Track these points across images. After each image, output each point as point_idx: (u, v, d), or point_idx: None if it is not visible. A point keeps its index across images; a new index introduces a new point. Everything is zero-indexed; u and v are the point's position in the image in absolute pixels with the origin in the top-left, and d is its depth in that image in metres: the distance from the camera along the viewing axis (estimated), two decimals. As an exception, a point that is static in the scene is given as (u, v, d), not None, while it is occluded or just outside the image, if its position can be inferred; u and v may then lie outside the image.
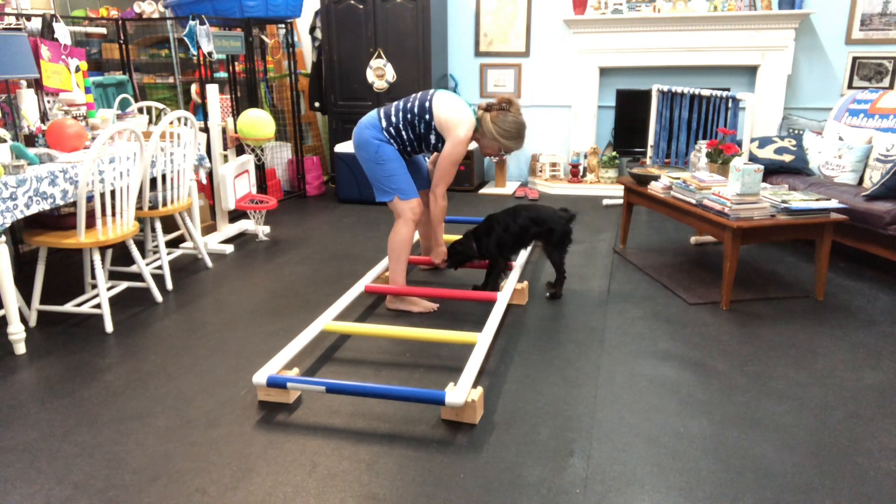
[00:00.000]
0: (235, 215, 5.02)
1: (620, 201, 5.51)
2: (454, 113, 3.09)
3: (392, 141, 3.16)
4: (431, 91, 3.19)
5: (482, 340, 2.60)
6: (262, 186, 5.44)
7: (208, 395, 2.48)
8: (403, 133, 3.16)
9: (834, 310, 3.23)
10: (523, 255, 3.71)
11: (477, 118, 3.18)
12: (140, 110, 4.42)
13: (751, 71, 5.74)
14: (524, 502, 1.87)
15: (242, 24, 4.98)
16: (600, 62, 5.95)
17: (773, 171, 4.39)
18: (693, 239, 4.39)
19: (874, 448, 2.11)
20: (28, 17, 3.96)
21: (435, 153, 3.36)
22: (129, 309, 3.33)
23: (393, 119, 3.16)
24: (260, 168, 5.41)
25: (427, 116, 3.12)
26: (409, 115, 3.14)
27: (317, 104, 6.19)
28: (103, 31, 4.95)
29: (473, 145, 6.00)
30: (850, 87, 5.56)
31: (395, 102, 3.23)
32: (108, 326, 3.04)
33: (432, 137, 3.17)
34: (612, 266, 3.92)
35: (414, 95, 3.20)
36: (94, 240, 2.97)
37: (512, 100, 3.17)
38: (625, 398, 2.43)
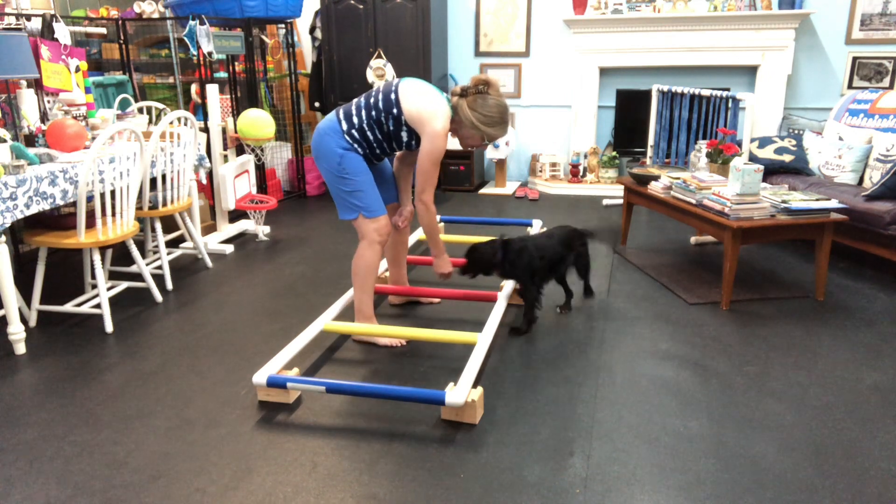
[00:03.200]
0: (235, 215, 5.02)
1: (620, 201, 5.51)
2: (426, 104, 2.67)
3: (356, 146, 2.74)
4: (395, 81, 2.75)
5: (482, 340, 2.60)
6: (262, 186, 5.44)
7: (208, 395, 2.48)
8: (369, 134, 2.73)
9: (834, 310, 3.23)
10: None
11: (451, 106, 2.74)
12: (140, 110, 4.42)
13: (751, 71, 5.74)
14: (524, 502, 1.87)
15: (242, 24, 4.98)
16: (600, 62, 5.95)
17: (773, 171, 4.39)
18: (693, 239, 4.39)
19: (874, 448, 2.11)
20: (28, 17, 3.96)
21: (401, 151, 3.00)
22: (129, 309, 3.33)
23: (355, 120, 2.73)
24: (260, 168, 5.41)
25: (395, 111, 2.69)
26: (373, 113, 2.71)
27: (317, 104, 6.19)
28: (103, 31, 4.95)
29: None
30: (850, 87, 5.56)
31: (356, 100, 2.79)
32: (108, 326, 3.04)
33: (404, 135, 2.75)
34: (612, 266, 3.92)
35: (376, 89, 2.77)
36: (94, 240, 2.97)
37: (489, 80, 2.73)
38: (625, 398, 2.43)
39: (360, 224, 2.81)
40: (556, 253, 3.03)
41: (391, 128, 2.73)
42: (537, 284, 2.98)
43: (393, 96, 2.69)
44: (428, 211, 2.78)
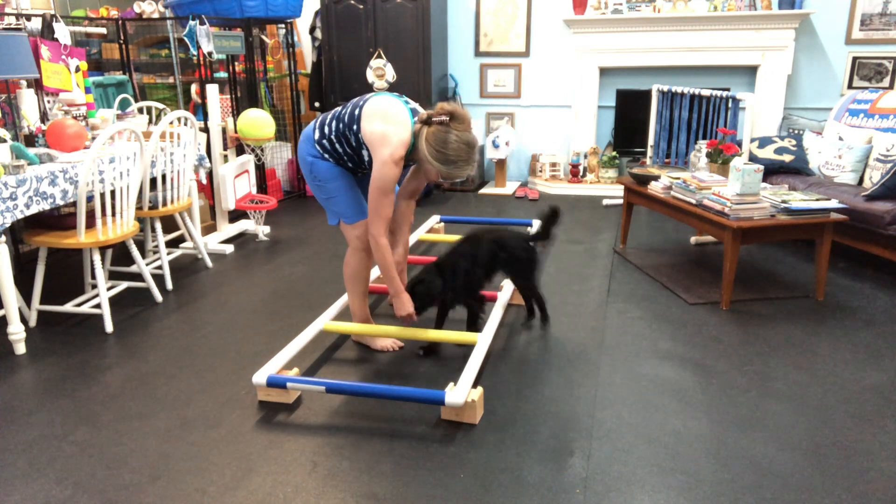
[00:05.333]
0: (235, 215, 5.02)
1: (620, 201, 5.51)
2: (380, 125, 2.44)
3: (326, 155, 2.62)
4: (369, 95, 2.58)
5: (482, 340, 2.60)
6: (262, 186, 5.44)
7: (208, 395, 2.48)
8: (338, 146, 2.58)
9: (834, 310, 3.23)
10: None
11: (415, 133, 2.48)
12: (140, 110, 4.42)
13: (751, 71, 5.74)
14: (524, 502, 1.87)
15: (242, 24, 4.98)
16: (600, 62, 5.95)
17: (773, 171, 4.39)
18: (693, 239, 4.39)
19: (874, 448, 2.11)
20: (28, 17, 3.96)
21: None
22: (129, 309, 3.33)
23: (326, 130, 2.59)
24: (260, 168, 5.41)
25: (355, 127, 2.51)
26: (341, 125, 2.55)
27: (317, 104, 6.19)
28: (103, 31, 4.95)
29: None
30: (850, 87, 5.56)
31: (337, 108, 2.66)
32: (108, 326, 3.04)
33: (365, 153, 2.56)
34: (612, 266, 3.92)
35: (355, 99, 2.61)
36: (94, 240, 2.97)
37: (455, 112, 2.41)
38: (625, 398, 2.43)
39: (343, 230, 2.76)
40: (489, 255, 2.80)
41: (354, 144, 2.55)
42: (479, 299, 2.81)
43: (357, 112, 2.52)
44: (378, 246, 2.53)
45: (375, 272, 3.47)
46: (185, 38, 4.51)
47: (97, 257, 3.03)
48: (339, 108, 2.63)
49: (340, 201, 2.67)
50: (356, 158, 2.61)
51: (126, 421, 2.31)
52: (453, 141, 2.40)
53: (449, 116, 2.41)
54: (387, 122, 2.45)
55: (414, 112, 2.55)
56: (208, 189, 4.77)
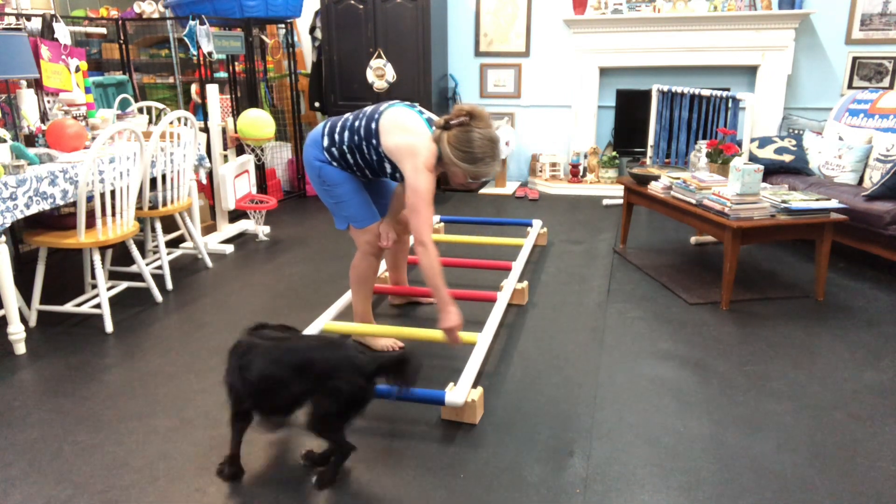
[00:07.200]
0: (235, 215, 5.02)
1: (620, 201, 5.51)
2: (403, 137, 2.44)
3: (335, 163, 2.63)
4: (382, 107, 2.56)
5: (482, 340, 2.60)
6: (262, 186, 5.44)
7: (208, 395, 2.47)
8: (349, 157, 2.60)
9: (834, 310, 3.23)
10: (522, 256, 3.71)
11: (435, 139, 2.46)
12: (140, 110, 4.42)
13: (751, 71, 5.74)
14: (524, 502, 1.87)
15: (242, 24, 4.98)
16: (600, 62, 5.94)
17: (773, 171, 4.39)
18: (693, 239, 4.39)
19: (874, 448, 2.11)
20: (28, 17, 3.96)
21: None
22: (129, 309, 3.33)
23: (336, 138, 2.59)
24: (260, 168, 5.41)
25: (374, 141, 2.51)
26: (355, 137, 2.55)
27: (317, 104, 6.19)
28: (103, 31, 4.95)
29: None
30: (850, 87, 5.56)
31: (346, 116, 2.63)
32: (108, 326, 3.04)
33: (388, 166, 2.57)
34: (612, 266, 3.92)
35: (365, 110, 2.61)
36: (94, 240, 2.97)
37: (474, 111, 2.41)
38: (625, 398, 2.43)
39: (352, 234, 2.75)
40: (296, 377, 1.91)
41: (373, 157, 2.56)
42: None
43: (374, 125, 2.52)
44: (427, 251, 2.38)
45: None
46: (185, 38, 4.51)
47: (97, 257, 3.03)
48: (349, 118, 2.61)
49: (350, 205, 2.67)
50: (367, 170, 2.63)
51: (126, 421, 2.31)
52: (477, 139, 2.38)
53: (468, 116, 2.40)
54: (407, 133, 2.45)
55: (430, 121, 2.54)
56: (208, 189, 4.77)
